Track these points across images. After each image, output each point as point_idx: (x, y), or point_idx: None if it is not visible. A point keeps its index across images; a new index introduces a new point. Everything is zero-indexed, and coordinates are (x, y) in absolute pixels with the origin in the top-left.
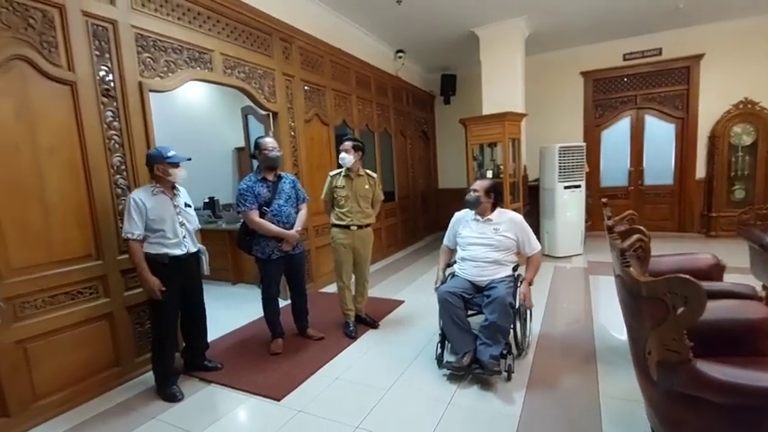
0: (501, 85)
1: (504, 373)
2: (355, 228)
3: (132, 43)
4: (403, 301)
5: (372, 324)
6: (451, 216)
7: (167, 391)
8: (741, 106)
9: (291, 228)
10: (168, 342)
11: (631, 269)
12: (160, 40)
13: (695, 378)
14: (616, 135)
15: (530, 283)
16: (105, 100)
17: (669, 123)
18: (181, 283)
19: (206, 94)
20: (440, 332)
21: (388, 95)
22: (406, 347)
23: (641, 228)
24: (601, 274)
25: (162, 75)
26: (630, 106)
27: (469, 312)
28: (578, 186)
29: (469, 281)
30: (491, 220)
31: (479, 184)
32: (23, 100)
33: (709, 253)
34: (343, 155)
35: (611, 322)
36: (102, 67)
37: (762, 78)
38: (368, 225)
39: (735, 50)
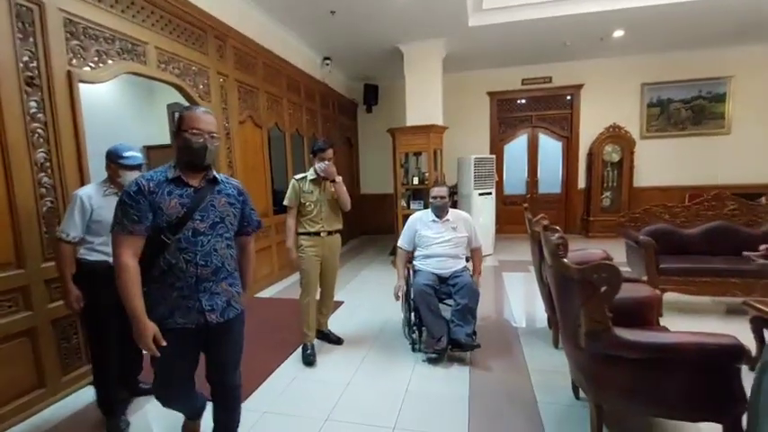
0: (423, 99)
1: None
2: (325, 234)
3: (60, 28)
4: (342, 302)
5: (337, 341)
6: (379, 220)
7: (113, 423)
8: (611, 129)
9: (213, 275)
10: (111, 360)
11: (566, 260)
12: (91, 28)
13: (614, 341)
14: (516, 149)
15: (479, 274)
16: (29, 89)
17: (557, 141)
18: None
19: (109, 87)
20: (413, 321)
21: (316, 101)
22: (363, 341)
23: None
24: (511, 271)
25: (93, 65)
26: (527, 125)
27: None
28: (490, 193)
29: (435, 273)
30: (449, 220)
31: (443, 191)
32: None
33: (599, 248)
34: (327, 163)
35: (527, 310)
36: (26, 53)
37: (626, 107)
38: (337, 231)
39: (607, 83)
